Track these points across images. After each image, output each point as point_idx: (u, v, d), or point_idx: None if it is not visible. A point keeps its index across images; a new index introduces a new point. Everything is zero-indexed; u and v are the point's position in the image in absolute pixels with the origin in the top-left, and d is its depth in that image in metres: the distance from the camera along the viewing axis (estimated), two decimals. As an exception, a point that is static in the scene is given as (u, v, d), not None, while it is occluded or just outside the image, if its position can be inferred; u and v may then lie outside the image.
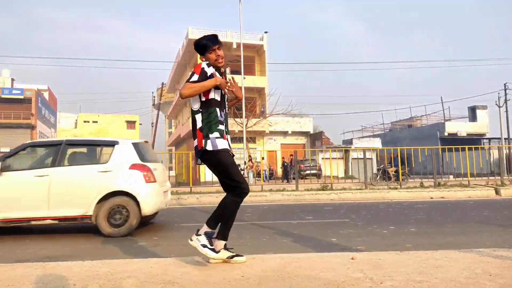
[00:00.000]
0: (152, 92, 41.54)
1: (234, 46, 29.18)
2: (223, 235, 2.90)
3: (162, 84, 40.51)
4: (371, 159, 21.96)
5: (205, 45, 2.91)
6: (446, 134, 32.14)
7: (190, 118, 3.01)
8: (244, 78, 24.19)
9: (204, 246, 2.81)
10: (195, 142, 2.90)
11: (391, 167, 16.38)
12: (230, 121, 27.39)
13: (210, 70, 2.86)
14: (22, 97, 34.08)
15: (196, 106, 2.88)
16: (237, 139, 27.65)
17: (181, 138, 35.33)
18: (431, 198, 9.89)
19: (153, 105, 40.52)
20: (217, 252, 2.85)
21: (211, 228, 2.86)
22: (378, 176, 15.72)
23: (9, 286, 2.46)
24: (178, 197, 9.89)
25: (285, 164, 22.49)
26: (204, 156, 2.86)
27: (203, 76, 2.81)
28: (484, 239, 4.54)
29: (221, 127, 2.87)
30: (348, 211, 7.53)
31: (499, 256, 3.00)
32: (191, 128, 2.99)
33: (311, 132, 32.27)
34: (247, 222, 6.20)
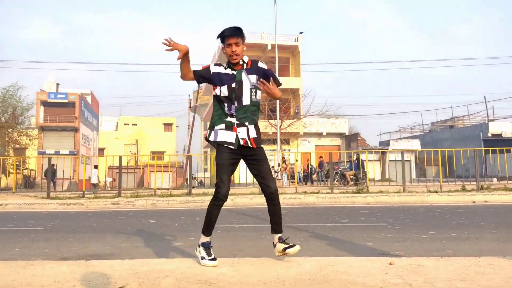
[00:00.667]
0: (189, 95, 42.39)
1: (269, 47, 29.27)
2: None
3: (199, 87, 41.20)
4: (409, 161, 21.37)
5: (220, 36, 2.87)
6: (489, 135, 30.75)
7: None
8: (279, 79, 24.16)
9: (203, 258, 2.94)
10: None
11: (349, 170, 16.18)
12: (263, 123, 27.55)
13: (215, 69, 2.95)
14: (66, 101, 35.65)
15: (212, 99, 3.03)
16: (271, 140, 27.68)
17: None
18: (474, 202, 9.49)
19: (190, 107, 41.29)
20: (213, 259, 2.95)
21: (205, 235, 3.04)
22: (336, 180, 15.51)
23: (55, 282, 2.58)
24: (214, 199, 10.02)
25: (311, 166, 22.21)
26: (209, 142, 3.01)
27: (206, 74, 2.94)
28: (532, 246, 4.31)
29: (230, 119, 2.91)
30: (385, 214, 7.37)
31: (549, 265, 2.85)
32: None
33: (347, 134, 31.80)
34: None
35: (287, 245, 2.98)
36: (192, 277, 2.65)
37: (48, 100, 35.76)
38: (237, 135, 2.89)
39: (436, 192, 10.66)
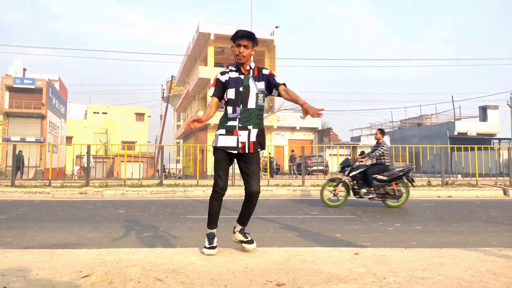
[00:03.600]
0: (162, 85, 41.68)
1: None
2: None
3: (172, 77, 40.62)
4: (379, 156, 21.84)
5: (235, 35, 2.98)
6: (456, 133, 31.85)
7: None
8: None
9: (204, 247, 3.00)
10: None
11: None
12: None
13: (224, 77, 3.01)
14: (33, 87, 34.33)
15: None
16: (245, 133, 27.66)
17: (189, 131, 35.45)
18: (438, 197, 9.83)
19: (162, 98, 40.68)
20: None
21: (208, 227, 3.05)
22: None
23: (17, 271, 2.51)
24: (185, 190, 9.96)
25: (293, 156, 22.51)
26: None
27: (219, 86, 3.02)
28: (491, 238, 4.52)
29: (231, 123, 2.96)
30: (354, 207, 7.52)
31: (505, 256, 2.99)
32: None
33: (319, 128, 32.18)
34: (253, 216, 6.21)
35: (245, 239, 3.07)
36: (160, 266, 2.63)
37: (14, 86, 34.32)
38: (237, 139, 2.94)
39: (403, 187, 10.94)
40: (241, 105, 2.95)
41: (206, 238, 3.03)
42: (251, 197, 2.97)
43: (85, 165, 12.32)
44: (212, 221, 3.04)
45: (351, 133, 41.67)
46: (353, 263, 2.72)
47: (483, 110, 33.85)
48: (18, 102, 34.27)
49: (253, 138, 2.96)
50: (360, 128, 41.89)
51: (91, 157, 12.05)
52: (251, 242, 3.06)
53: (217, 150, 2.99)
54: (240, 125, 2.95)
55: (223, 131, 2.98)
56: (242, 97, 2.96)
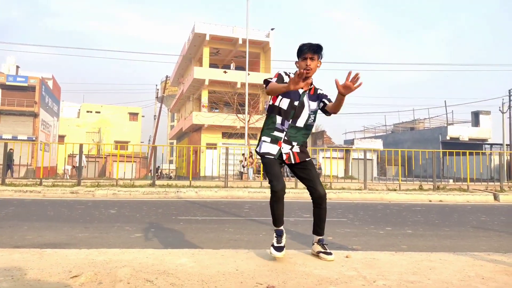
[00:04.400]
0: (156, 85, 41.55)
1: (240, 42, 29.16)
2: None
3: (166, 77, 40.50)
4: (371, 160, 21.98)
5: (300, 50, 2.83)
6: (448, 138, 32.11)
7: None
8: (249, 74, 24.16)
9: (272, 244, 2.92)
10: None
11: None
12: (232, 116, 27.49)
13: (286, 78, 2.84)
14: (26, 84, 34.04)
15: (266, 108, 2.93)
16: (238, 135, 27.66)
17: (183, 131, 35.37)
18: (430, 201, 9.90)
19: (157, 98, 40.54)
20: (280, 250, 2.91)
21: (275, 226, 3.00)
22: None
23: (5, 271, 2.48)
24: (177, 190, 9.93)
25: None
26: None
27: (280, 81, 2.82)
28: (480, 243, 4.55)
29: (278, 133, 2.90)
30: (346, 210, 7.55)
31: (493, 260, 3.02)
32: None
33: (313, 131, 32.27)
34: (245, 218, 6.22)
35: (323, 250, 2.97)
36: (150, 267, 2.62)
37: (7, 83, 34.01)
38: (280, 149, 2.90)
39: (395, 190, 11.02)
40: (290, 120, 2.88)
41: (275, 234, 2.94)
42: (320, 201, 2.93)
43: (78, 164, 12.23)
44: (279, 221, 2.96)
45: (345, 136, 41.88)
46: (343, 266, 2.73)
47: (475, 116, 34.17)
48: (10, 100, 33.96)
49: (296, 150, 2.94)
50: (354, 132, 42.08)
51: (83, 156, 11.97)
52: (329, 253, 2.94)
53: (265, 155, 2.93)
54: (285, 138, 2.90)
55: (268, 139, 2.93)
56: (295, 112, 2.86)
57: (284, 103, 2.86)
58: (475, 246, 4.31)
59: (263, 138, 2.96)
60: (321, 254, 2.94)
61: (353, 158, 27.89)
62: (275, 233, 2.96)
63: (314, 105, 2.92)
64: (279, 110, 2.89)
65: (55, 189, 9.73)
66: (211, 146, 23.25)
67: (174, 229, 5.15)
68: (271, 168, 2.89)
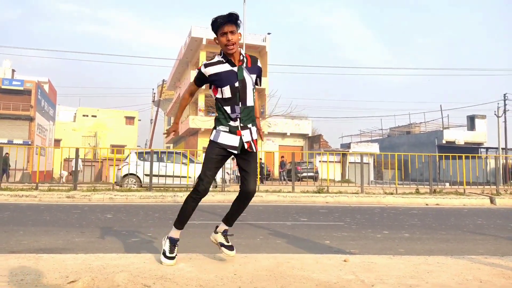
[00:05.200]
0: (153, 89, 41.59)
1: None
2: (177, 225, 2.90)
3: (163, 81, 40.52)
4: (368, 163, 22.02)
5: (216, 25, 2.60)
6: (444, 142, 32.27)
7: None
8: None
9: (164, 252, 2.83)
10: None
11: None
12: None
13: (209, 70, 2.69)
14: (22, 88, 33.91)
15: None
16: (235, 139, 27.59)
17: (180, 135, 35.32)
18: (426, 204, 9.92)
19: (153, 101, 40.52)
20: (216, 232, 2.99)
21: (177, 228, 2.88)
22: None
23: (1, 276, 2.46)
24: (174, 195, 9.90)
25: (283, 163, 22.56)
26: None
27: (200, 77, 2.77)
28: (477, 246, 4.56)
29: (233, 123, 2.70)
30: (343, 214, 7.55)
31: (491, 264, 3.03)
32: None
33: (310, 135, 32.32)
34: (242, 222, 6.21)
35: (226, 243, 2.91)
36: (148, 272, 2.60)
37: (2, 87, 33.86)
38: (241, 138, 2.72)
39: (392, 194, 11.04)
40: (239, 103, 2.69)
41: (169, 242, 2.79)
42: (247, 196, 2.79)
43: (74, 169, 12.18)
44: (183, 222, 2.82)
45: (341, 140, 41.96)
46: (341, 270, 2.73)
47: (471, 120, 34.37)
48: (6, 104, 33.81)
49: (254, 136, 2.80)
50: (350, 135, 42.25)
51: (79, 160, 11.92)
52: (231, 248, 2.89)
53: (214, 146, 2.72)
54: (241, 124, 2.71)
55: (226, 128, 2.71)
56: (239, 94, 2.68)
57: (226, 92, 2.67)
58: (472, 250, 4.31)
59: (221, 127, 2.73)
60: (223, 248, 2.89)
61: (349, 162, 27.94)
62: (169, 240, 2.82)
63: (254, 77, 2.78)
64: (225, 100, 2.70)
65: (51, 193, 9.68)
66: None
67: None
68: (211, 165, 2.73)
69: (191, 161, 12.66)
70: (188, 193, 2.96)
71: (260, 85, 2.91)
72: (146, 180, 11.84)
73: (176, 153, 13.27)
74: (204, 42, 29.75)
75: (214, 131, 2.77)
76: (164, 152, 13.36)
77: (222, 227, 2.96)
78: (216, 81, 2.69)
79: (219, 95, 2.71)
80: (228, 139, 2.71)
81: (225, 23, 2.56)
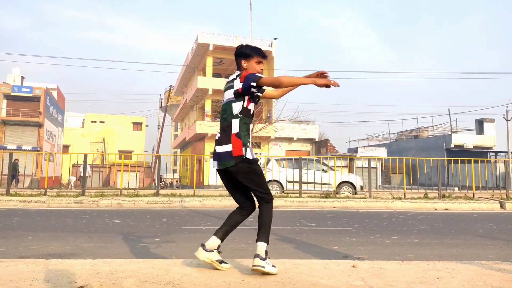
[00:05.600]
0: (160, 95, 41.85)
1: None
2: (262, 237, 2.80)
3: (170, 87, 40.79)
4: (376, 168, 21.88)
5: (258, 50, 2.94)
6: (452, 146, 31.97)
7: (223, 121, 2.84)
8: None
9: (274, 266, 2.74)
10: (227, 148, 2.73)
11: None
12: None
13: None
14: (31, 95, 34.31)
15: (237, 110, 2.76)
16: (242, 144, 27.60)
17: (187, 141, 35.43)
18: (435, 209, 9.82)
19: (160, 107, 40.74)
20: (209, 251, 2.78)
21: (266, 242, 2.77)
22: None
23: (11, 282, 2.48)
24: (181, 200, 9.92)
25: None
26: (239, 164, 2.73)
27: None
28: (487, 252, 4.50)
29: (249, 139, 2.84)
30: (350, 219, 7.51)
31: (502, 270, 2.98)
32: (220, 130, 2.85)
33: (316, 140, 32.24)
34: (249, 227, 6.19)
35: (222, 259, 2.83)
36: (155, 277, 2.60)
37: (12, 94, 34.30)
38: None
39: (400, 199, 10.96)
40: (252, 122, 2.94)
41: (268, 256, 2.72)
42: (251, 213, 2.96)
43: (82, 174, 12.28)
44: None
45: (348, 144, 41.76)
46: (350, 276, 2.71)
47: (480, 123, 34.06)
48: (15, 110, 34.21)
49: None
50: (357, 140, 42.02)
51: (88, 166, 12.00)
52: (226, 262, 2.87)
53: (256, 163, 2.84)
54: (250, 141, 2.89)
55: (249, 144, 2.84)
56: (253, 115, 2.93)
57: (252, 107, 2.82)
58: (482, 255, 4.26)
59: (249, 143, 2.81)
60: (223, 265, 2.81)
61: (357, 167, 27.76)
62: (266, 254, 2.74)
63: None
64: (250, 116, 2.83)
65: (60, 199, 9.75)
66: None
67: (179, 238, 5.13)
68: (264, 177, 2.90)
69: (331, 168, 13.04)
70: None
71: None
72: (289, 186, 12.24)
73: (316, 160, 13.69)
74: (211, 48, 29.90)
75: (248, 149, 2.76)
76: (304, 159, 13.53)
77: (215, 243, 2.79)
78: (255, 94, 2.78)
79: (251, 108, 2.81)
80: (254, 155, 2.85)
81: (263, 56, 2.92)
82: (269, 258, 2.72)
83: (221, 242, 2.82)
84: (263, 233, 2.78)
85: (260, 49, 2.96)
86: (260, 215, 2.81)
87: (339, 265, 3.05)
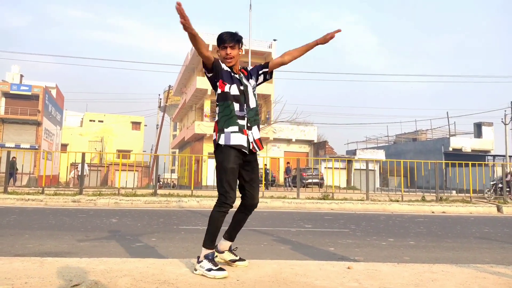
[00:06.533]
0: (159, 95, 41.77)
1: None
2: (228, 236, 2.93)
3: (169, 87, 40.74)
4: (374, 170, 21.93)
5: (219, 39, 2.83)
6: (450, 149, 32.05)
7: None
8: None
9: (210, 269, 2.62)
10: (213, 135, 2.83)
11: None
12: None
13: (223, 66, 2.82)
14: (30, 93, 34.29)
15: (216, 99, 2.82)
16: (240, 144, 27.63)
17: (185, 141, 35.42)
18: (433, 212, 9.84)
19: (159, 107, 40.71)
20: (221, 252, 2.91)
21: (208, 248, 2.72)
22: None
23: (5, 279, 2.48)
24: (179, 200, 9.91)
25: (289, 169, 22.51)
26: (215, 151, 2.78)
27: (219, 63, 2.79)
28: (483, 255, 4.51)
29: (240, 121, 2.74)
30: (348, 221, 7.51)
31: (496, 273, 2.99)
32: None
33: (315, 141, 32.27)
34: (247, 228, 6.19)
35: (236, 257, 2.89)
36: (151, 277, 2.60)
37: (11, 92, 34.26)
38: (247, 138, 2.76)
39: (397, 201, 10.97)
40: (244, 104, 2.79)
41: (207, 260, 2.65)
42: (251, 209, 2.86)
43: (80, 173, 12.26)
44: (215, 240, 2.74)
45: (347, 146, 41.84)
46: (345, 277, 2.71)
47: (478, 127, 34.16)
48: (14, 108, 34.17)
49: (257, 135, 2.84)
50: (356, 142, 42.09)
51: (85, 165, 11.99)
52: (243, 259, 2.92)
53: (229, 156, 2.67)
54: (248, 124, 2.79)
55: (235, 128, 2.72)
56: (245, 96, 2.81)
57: (234, 90, 2.77)
58: (478, 258, 4.27)
59: (230, 128, 2.71)
60: (237, 263, 2.88)
61: (355, 169, 27.83)
62: (206, 259, 2.66)
63: (252, 82, 2.92)
64: (233, 97, 2.76)
65: (57, 197, 9.74)
66: (213, 155, 23.23)
67: (175, 238, 5.13)
68: (233, 174, 2.68)
69: None
70: None
71: (271, 77, 3.05)
72: None
73: None
74: (210, 48, 29.90)
75: (222, 135, 2.71)
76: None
77: (226, 244, 2.90)
78: (225, 76, 2.78)
79: (227, 89, 2.76)
80: (239, 139, 2.72)
81: (229, 39, 2.78)
82: (208, 260, 2.65)
83: (231, 242, 2.92)
84: (205, 239, 2.75)
85: (221, 34, 2.81)
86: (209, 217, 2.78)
87: (335, 266, 3.06)
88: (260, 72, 2.99)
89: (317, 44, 2.90)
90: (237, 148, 2.70)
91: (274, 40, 31.11)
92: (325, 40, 2.87)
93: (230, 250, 2.91)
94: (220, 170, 2.70)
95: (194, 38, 2.52)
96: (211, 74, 2.80)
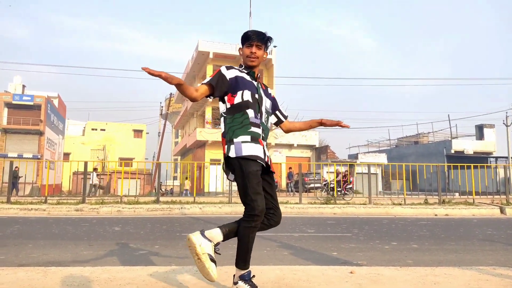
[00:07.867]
0: (160, 102, 42.01)
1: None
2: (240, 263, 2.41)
3: (171, 94, 40.89)
4: (376, 174, 21.89)
5: (245, 36, 2.48)
6: (452, 151, 31.98)
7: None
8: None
9: None
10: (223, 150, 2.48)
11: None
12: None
13: (230, 74, 2.44)
14: (32, 103, 34.46)
15: (222, 110, 2.48)
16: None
17: (187, 148, 35.48)
18: (435, 215, 9.82)
19: (161, 114, 40.82)
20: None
21: (242, 268, 2.39)
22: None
23: (11, 289, 2.49)
24: (181, 207, 9.92)
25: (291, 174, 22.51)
26: (228, 165, 2.44)
27: (218, 80, 2.40)
28: (487, 257, 4.51)
29: (255, 129, 2.40)
30: (350, 225, 7.51)
31: (499, 275, 2.99)
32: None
33: (317, 146, 32.26)
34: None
35: (213, 258, 2.39)
36: (154, 284, 2.62)
37: (13, 102, 34.45)
38: (264, 150, 2.41)
39: (400, 204, 10.95)
40: (258, 114, 2.45)
41: (242, 281, 2.34)
42: (276, 226, 2.53)
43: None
44: (248, 259, 2.38)
45: (349, 150, 41.80)
46: (347, 282, 2.72)
47: (480, 129, 34.09)
48: (16, 119, 34.33)
49: (267, 152, 2.48)
50: (358, 146, 42.06)
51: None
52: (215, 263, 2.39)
53: (249, 162, 2.31)
54: (263, 135, 2.44)
55: (247, 137, 2.35)
56: (259, 105, 2.46)
57: (247, 95, 2.41)
58: (481, 260, 4.26)
59: (240, 138, 2.35)
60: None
61: (357, 173, 27.77)
62: (242, 280, 2.35)
63: (268, 103, 2.59)
64: (246, 104, 2.40)
65: (60, 206, 9.76)
66: (215, 162, 23.27)
67: (178, 246, 5.14)
68: (256, 180, 2.30)
69: None
70: None
71: (285, 115, 2.77)
72: None
73: None
74: (211, 56, 30.04)
75: (232, 146, 2.36)
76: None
77: (217, 235, 2.43)
78: (234, 85, 2.43)
79: (238, 100, 2.41)
80: (254, 150, 2.35)
81: (257, 38, 2.46)
82: (244, 281, 2.35)
83: (223, 239, 2.41)
84: (237, 258, 2.40)
85: (248, 32, 2.49)
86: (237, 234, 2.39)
87: (337, 271, 3.06)
88: (277, 112, 2.72)
89: (321, 124, 2.68)
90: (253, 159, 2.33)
91: (275, 46, 31.23)
92: (331, 123, 2.66)
93: (246, 280, 2.40)
94: (241, 177, 2.32)
95: (180, 87, 2.26)
96: (218, 97, 2.46)
